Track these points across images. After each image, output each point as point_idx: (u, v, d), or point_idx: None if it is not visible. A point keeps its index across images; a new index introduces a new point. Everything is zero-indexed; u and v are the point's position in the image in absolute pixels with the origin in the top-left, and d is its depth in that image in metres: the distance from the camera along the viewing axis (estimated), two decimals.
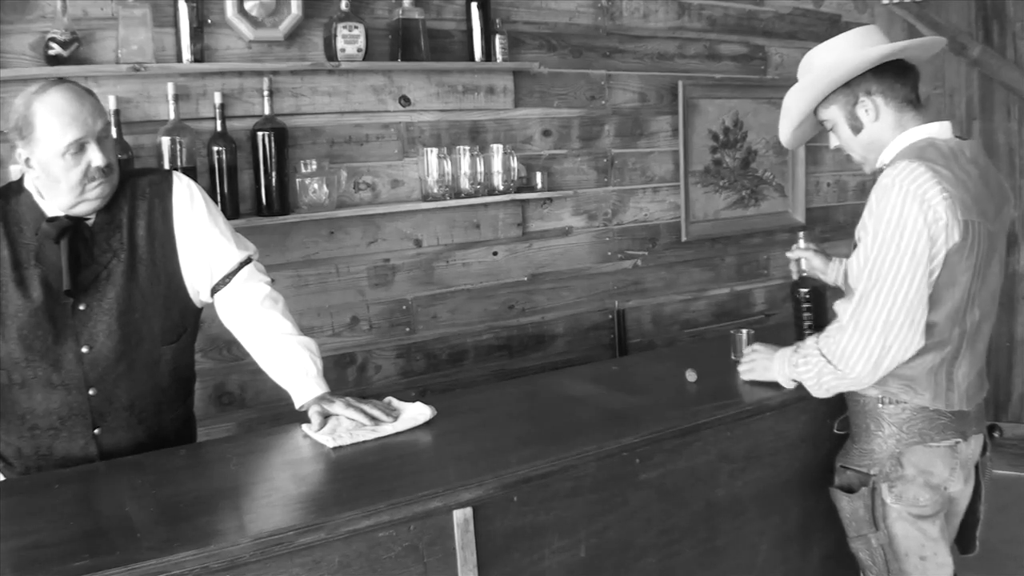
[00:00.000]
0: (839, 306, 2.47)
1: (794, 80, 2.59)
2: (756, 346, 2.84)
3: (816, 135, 2.75)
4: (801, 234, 3.08)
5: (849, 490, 2.55)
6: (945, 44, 2.58)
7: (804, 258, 2.97)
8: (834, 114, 2.54)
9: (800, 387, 2.61)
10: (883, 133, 2.48)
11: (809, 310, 2.92)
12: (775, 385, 2.70)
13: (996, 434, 2.78)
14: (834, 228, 5.24)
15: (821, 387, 2.52)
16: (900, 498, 2.48)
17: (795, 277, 2.98)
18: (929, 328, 2.35)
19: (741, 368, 2.84)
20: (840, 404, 2.68)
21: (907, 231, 2.26)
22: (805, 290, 2.93)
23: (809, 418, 2.76)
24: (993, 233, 2.39)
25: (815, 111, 2.60)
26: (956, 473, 2.51)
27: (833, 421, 2.75)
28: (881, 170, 2.47)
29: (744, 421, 2.62)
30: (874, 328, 2.32)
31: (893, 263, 2.28)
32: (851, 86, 2.47)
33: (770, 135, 4.87)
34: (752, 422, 2.64)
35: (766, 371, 2.73)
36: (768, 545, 2.75)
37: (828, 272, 2.97)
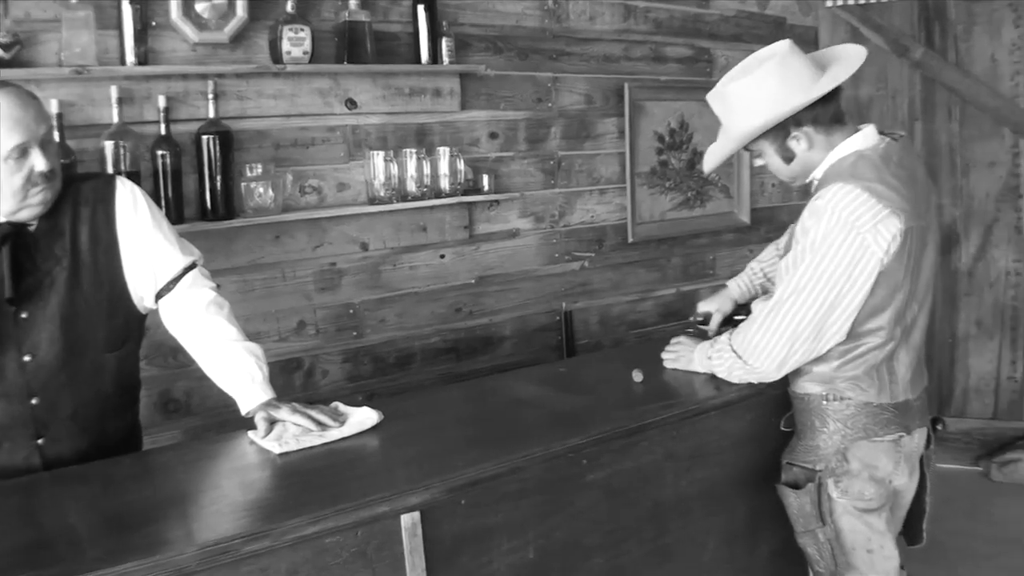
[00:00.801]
0: (756, 305, 2.55)
1: None
2: (681, 338, 2.97)
3: None
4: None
5: (795, 486, 2.60)
6: (866, 53, 2.57)
7: (717, 314, 3.13)
8: (763, 147, 2.59)
9: (744, 386, 2.67)
10: (815, 156, 2.52)
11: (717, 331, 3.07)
12: (716, 382, 2.76)
13: (939, 427, 2.85)
14: (779, 228, 5.25)
15: (732, 377, 2.66)
16: (846, 493, 2.53)
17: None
18: (875, 331, 2.44)
19: (665, 357, 2.95)
20: (785, 402, 2.72)
21: (829, 256, 2.35)
22: (699, 317, 3.09)
23: (754, 416, 2.79)
24: (925, 228, 2.46)
25: None
26: (900, 467, 2.56)
27: (778, 419, 2.78)
28: (810, 183, 2.55)
29: (690, 420, 2.64)
30: (782, 333, 2.45)
31: (811, 280, 2.38)
32: (781, 123, 2.49)
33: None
34: (698, 421, 2.66)
35: (689, 363, 2.85)
36: (715, 543, 2.77)
37: (740, 298, 3.15)
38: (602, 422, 2.50)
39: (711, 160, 2.73)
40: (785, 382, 2.67)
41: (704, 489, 2.71)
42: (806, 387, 2.58)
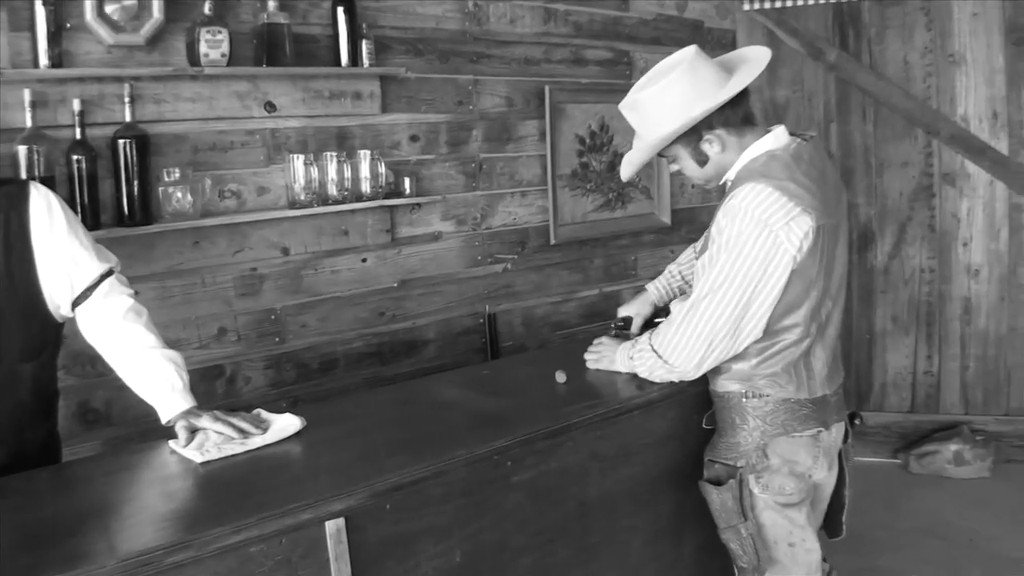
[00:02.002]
0: (674, 305, 2.60)
1: None
2: (602, 339, 3.00)
3: None
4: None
5: (717, 483, 2.63)
6: (770, 55, 2.64)
7: (637, 318, 3.18)
8: (677, 151, 2.64)
9: (666, 385, 2.70)
10: (728, 158, 2.58)
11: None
12: (639, 382, 2.79)
13: (857, 422, 2.91)
14: (699, 228, 5.32)
15: (654, 377, 2.70)
16: (767, 488, 2.58)
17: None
18: (791, 328, 2.49)
19: (587, 358, 2.97)
20: (707, 400, 2.76)
21: (743, 254, 2.39)
22: (620, 322, 3.13)
23: (677, 415, 2.82)
24: (836, 226, 2.52)
25: None
26: (819, 461, 2.61)
27: (700, 417, 2.81)
28: (725, 184, 2.60)
29: (613, 420, 2.66)
30: (700, 332, 2.49)
31: (727, 279, 2.42)
32: (693, 128, 2.53)
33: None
34: (621, 421, 2.68)
35: (611, 363, 2.88)
36: (641, 541, 2.80)
37: (658, 301, 3.22)
38: (526, 423, 2.51)
39: (627, 169, 2.78)
40: (706, 380, 2.71)
41: (629, 488, 2.73)
42: (726, 385, 2.62)
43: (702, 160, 2.60)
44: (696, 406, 2.81)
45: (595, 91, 4.78)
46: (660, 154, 2.68)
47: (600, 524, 2.66)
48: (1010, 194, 5.26)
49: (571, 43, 4.68)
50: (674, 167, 2.71)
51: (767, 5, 5.35)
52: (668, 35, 5.11)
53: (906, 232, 5.46)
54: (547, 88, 4.53)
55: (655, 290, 3.18)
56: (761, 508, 2.60)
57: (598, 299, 4.91)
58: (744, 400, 2.58)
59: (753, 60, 2.61)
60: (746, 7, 5.39)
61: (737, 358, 2.56)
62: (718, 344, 2.48)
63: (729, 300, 2.43)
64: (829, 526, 2.87)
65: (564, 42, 4.65)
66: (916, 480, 5.22)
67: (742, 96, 2.54)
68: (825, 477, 2.69)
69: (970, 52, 5.22)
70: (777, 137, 2.53)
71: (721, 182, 2.65)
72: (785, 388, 2.55)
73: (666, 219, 5.18)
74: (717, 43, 5.28)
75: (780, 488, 2.58)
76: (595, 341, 3.02)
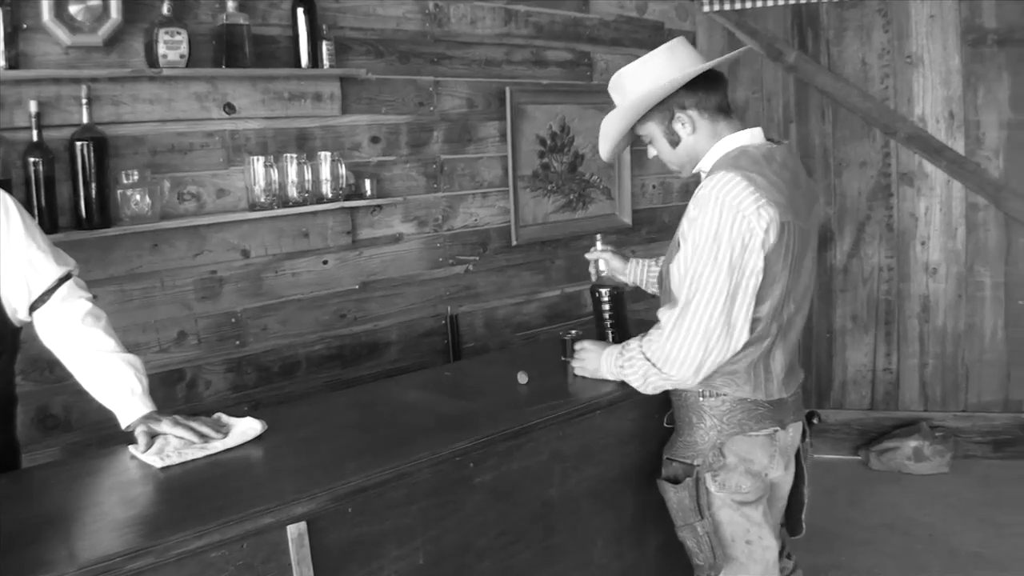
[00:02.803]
0: (662, 313, 2.55)
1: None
2: (586, 344, 2.94)
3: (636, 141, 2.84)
4: (598, 236, 3.21)
5: (675, 481, 2.65)
6: (743, 49, 2.76)
7: (602, 259, 3.11)
8: (651, 130, 2.66)
9: (628, 387, 2.70)
10: (700, 143, 2.60)
11: (610, 310, 3.06)
12: (608, 383, 2.81)
13: (815, 420, 2.94)
14: (660, 229, 5.38)
15: (648, 386, 2.63)
16: (723, 486, 2.59)
17: (593, 279, 3.14)
18: (752, 325, 2.48)
19: (574, 365, 2.94)
20: (668, 399, 2.77)
21: (723, 242, 2.38)
22: (605, 290, 3.07)
23: (638, 415, 2.84)
24: (805, 231, 2.53)
25: (633, 127, 2.70)
26: (776, 460, 2.63)
27: (662, 417, 2.83)
28: (699, 176, 2.60)
29: (575, 420, 2.67)
30: (695, 336, 2.45)
31: (712, 274, 2.40)
32: (666, 103, 2.58)
33: (596, 139, 4.95)
34: (582, 421, 2.69)
35: (595, 371, 2.84)
36: (604, 540, 2.81)
37: (627, 273, 3.14)
38: (488, 424, 2.52)
39: (604, 143, 2.78)
40: None
41: (591, 488, 2.74)
42: (686, 386, 2.63)
43: (674, 141, 2.62)
44: (657, 406, 2.82)
45: (556, 92, 4.79)
46: (638, 135, 2.72)
47: (563, 524, 2.67)
48: (967, 193, 5.32)
49: (532, 44, 4.68)
50: (651, 152, 2.73)
51: (727, 7, 5.38)
52: (628, 36, 5.13)
53: (865, 231, 5.51)
54: (508, 89, 4.53)
55: (635, 264, 3.16)
56: (718, 506, 2.62)
57: (560, 300, 4.92)
58: (701, 399, 2.60)
59: (730, 56, 2.70)
60: (706, 8, 5.42)
61: None
62: (715, 345, 2.45)
63: (718, 295, 2.40)
64: (789, 524, 2.89)
65: (525, 43, 4.65)
66: (876, 476, 5.26)
67: (717, 84, 2.59)
68: (781, 476, 2.71)
69: (927, 53, 5.27)
70: (753, 135, 2.58)
71: (695, 170, 2.67)
72: (742, 388, 2.56)
73: (627, 220, 5.20)
74: None
75: (737, 487, 2.59)
76: (578, 347, 2.97)
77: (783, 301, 2.52)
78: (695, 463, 2.61)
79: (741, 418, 2.57)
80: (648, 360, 2.57)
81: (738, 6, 5.37)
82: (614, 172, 5.12)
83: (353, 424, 2.67)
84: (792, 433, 2.69)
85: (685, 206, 2.53)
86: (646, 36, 5.20)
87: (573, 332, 3.19)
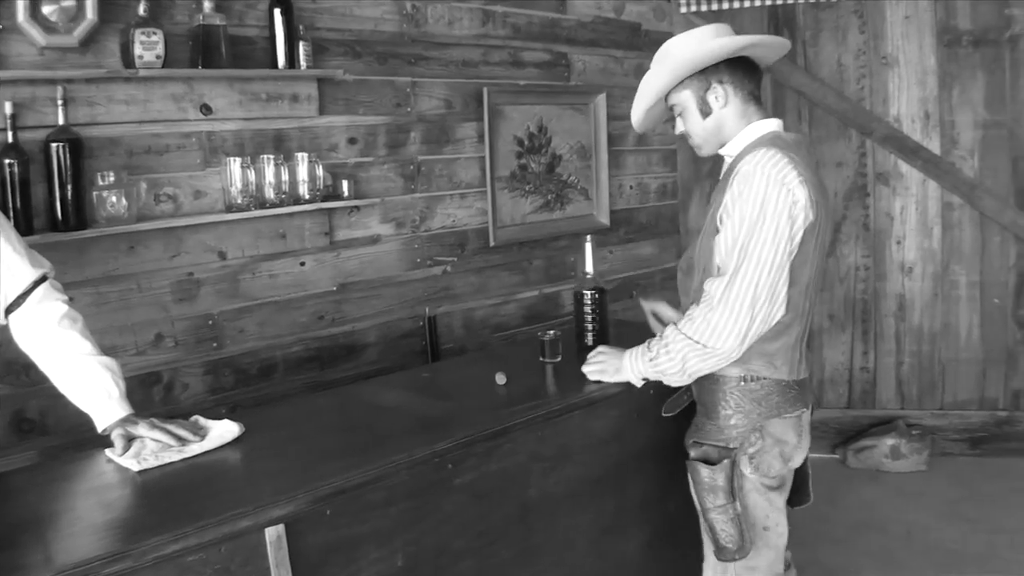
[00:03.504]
0: (708, 284, 2.55)
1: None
2: (602, 348, 2.96)
3: (650, 129, 2.97)
4: (588, 237, 3.23)
5: (707, 462, 2.66)
6: (788, 47, 2.80)
7: (658, 308, 3.09)
8: (685, 99, 2.71)
9: (607, 385, 2.71)
10: (728, 120, 2.68)
11: (592, 312, 3.08)
12: (588, 383, 2.83)
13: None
14: (638, 229, 5.39)
15: (685, 373, 2.63)
16: (757, 469, 2.64)
17: (653, 329, 3.05)
18: (788, 305, 2.54)
19: (588, 370, 2.93)
20: (647, 398, 2.77)
21: (770, 212, 2.44)
22: (588, 292, 3.08)
23: (618, 414, 2.85)
24: (827, 219, 2.63)
25: (667, 97, 2.76)
26: (803, 440, 2.70)
27: (640, 416, 2.84)
28: (719, 160, 2.74)
29: (553, 421, 2.68)
30: (743, 304, 2.47)
31: (759, 243, 2.44)
32: (705, 73, 2.67)
33: (574, 140, 4.98)
34: (561, 421, 2.70)
35: (617, 372, 2.83)
36: (584, 540, 2.82)
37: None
38: (467, 426, 2.52)
39: (640, 102, 2.81)
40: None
41: (570, 488, 2.75)
42: (725, 370, 2.64)
43: (706, 111, 2.68)
44: (636, 406, 2.83)
45: (533, 93, 4.79)
46: (670, 106, 2.77)
47: (542, 525, 2.67)
48: (942, 193, 5.36)
49: (509, 45, 4.68)
50: (679, 126, 2.78)
51: (704, 8, 5.40)
52: (606, 37, 5.13)
53: (841, 231, 5.55)
54: (485, 90, 4.53)
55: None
56: (748, 490, 2.66)
57: (538, 300, 4.92)
58: (743, 383, 2.63)
59: (775, 41, 2.76)
60: (683, 10, 5.43)
61: None
62: (759, 311, 2.47)
63: (765, 262, 2.44)
64: (796, 497, 2.91)
65: (502, 44, 4.65)
66: (854, 474, 5.29)
67: (755, 72, 2.72)
68: (800, 458, 2.76)
69: (902, 54, 5.31)
70: (779, 124, 2.68)
71: (720, 151, 2.73)
72: (780, 370, 2.62)
73: (605, 220, 5.20)
74: (655, 45, 5.25)
75: (768, 468, 2.64)
76: (594, 352, 2.97)
77: (813, 281, 2.60)
78: (731, 446, 2.65)
79: (778, 401, 2.62)
80: (690, 339, 2.56)
81: (715, 7, 5.39)
82: (591, 172, 5.12)
83: (331, 426, 2.67)
84: (808, 414, 2.76)
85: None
86: (623, 37, 5.21)
87: (552, 332, 3.20)
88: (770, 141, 2.56)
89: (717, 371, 2.65)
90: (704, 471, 2.63)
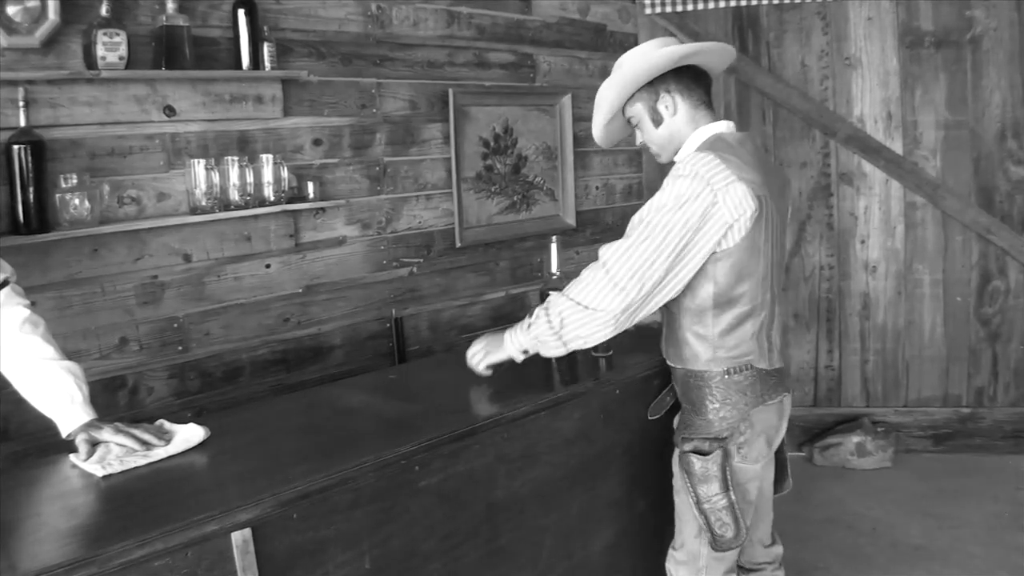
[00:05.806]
0: (602, 249, 2.59)
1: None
2: (480, 337, 2.96)
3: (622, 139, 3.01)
4: (554, 238, 3.26)
5: (700, 453, 2.69)
6: (735, 54, 2.88)
7: None
8: (639, 110, 2.78)
9: (574, 385, 2.72)
10: (679, 127, 2.74)
11: None
12: (545, 382, 2.82)
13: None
14: (604, 230, 5.40)
15: (561, 339, 2.63)
16: (746, 457, 2.70)
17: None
18: (741, 297, 2.61)
19: (470, 355, 2.92)
20: (612, 399, 2.78)
21: (686, 204, 2.48)
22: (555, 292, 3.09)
23: (583, 415, 2.86)
24: (781, 210, 2.70)
25: (623, 109, 2.82)
26: (783, 424, 2.80)
27: (606, 416, 2.86)
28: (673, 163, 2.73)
29: (519, 422, 2.68)
30: (634, 272, 2.50)
31: (667, 226, 2.48)
32: (654, 84, 2.73)
33: (540, 141, 4.99)
34: (527, 422, 2.70)
35: (499, 349, 2.83)
36: (551, 541, 2.82)
37: None
38: (433, 427, 2.52)
39: (598, 115, 2.86)
40: (638, 368, 2.87)
41: (536, 489, 2.75)
42: (708, 366, 2.68)
43: (657, 120, 2.75)
44: (601, 406, 2.84)
45: (499, 94, 4.79)
46: (627, 118, 2.84)
47: (509, 526, 2.68)
48: (905, 192, 5.41)
49: (474, 46, 4.68)
50: (639, 137, 2.86)
51: (668, 9, 5.43)
52: (571, 38, 5.14)
53: (805, 230, 5.59)
54: (451, 91, 4.53)
55: None
56: (739, 478, 2.71)
57: (504, 301, 4.93)
58: (727, 376, 2.67)
59: (717, 47, 2.80)
60: (648, 11, 5.45)
61: (703, 339, 2.66)
62: (647, 290, 2.50)
63: (667, 244, 2.48)
64: (775, 485, 2.99)
65: (467, 45, 4.65)
66: (820, 472, 5.34)
67: (702, 79, 2.78)
68: (776, 446, 2.85)
69: (865, 55, 5.36)
70: (728, 125, 2.74)
71: (674, 156, 2.78)
72: (759, 360, 2.68)
73: (571, 221, 5.22)
74: (619, 46, 5.32)
75: (757, 455, 2.72)
76: (472, 345, 2.97)
77: (770, 272, 2.65)
78: (721, 436, 2.68)
79: (762, 389, 2.69)
80: (571, 300, 2.57)
81: (679, 8, 5.42)
82: (557, 174, 5.13)
83: (297, 429, 2.66)
84: (788, 400, 2.83)
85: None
86: (588, 38, 5.22)
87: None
88: (710, 145, 2.62)
89: (702, 368, 2.69)
90: (697, 462, 2.66)
